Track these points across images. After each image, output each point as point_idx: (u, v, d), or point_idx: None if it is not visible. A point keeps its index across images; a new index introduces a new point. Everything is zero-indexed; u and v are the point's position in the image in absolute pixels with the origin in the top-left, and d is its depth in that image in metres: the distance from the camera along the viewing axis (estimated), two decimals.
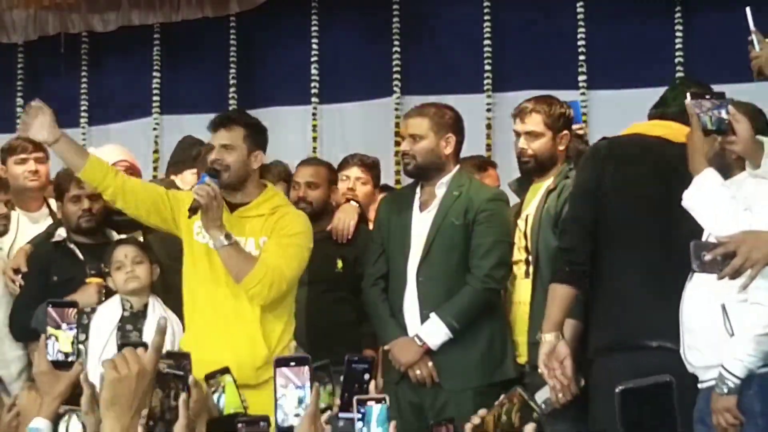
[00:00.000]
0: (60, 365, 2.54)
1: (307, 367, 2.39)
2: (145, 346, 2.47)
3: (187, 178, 4.83)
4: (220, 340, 3.89)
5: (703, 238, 3.36)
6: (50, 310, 2.58)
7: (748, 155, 3.27)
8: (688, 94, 3.31)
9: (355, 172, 4.99)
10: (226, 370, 2.84)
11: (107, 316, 4.12)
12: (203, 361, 3.80)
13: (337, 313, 4.56)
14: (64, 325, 2.57)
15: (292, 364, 2.41)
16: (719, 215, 3.20)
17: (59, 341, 2.56)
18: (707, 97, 3.25)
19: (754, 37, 3.71)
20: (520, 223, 4.13)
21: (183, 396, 2.36)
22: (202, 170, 4.22)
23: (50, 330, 2.56)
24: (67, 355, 2.56)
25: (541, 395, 3.89)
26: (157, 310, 4.15)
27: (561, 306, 3.70)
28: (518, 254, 4.12)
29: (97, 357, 3.98)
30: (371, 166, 5.06)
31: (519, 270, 4.11)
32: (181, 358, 2.81)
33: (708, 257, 3.07)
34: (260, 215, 3.99)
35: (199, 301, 4.02)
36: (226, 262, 3.87)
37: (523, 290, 4.08)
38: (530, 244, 4.06)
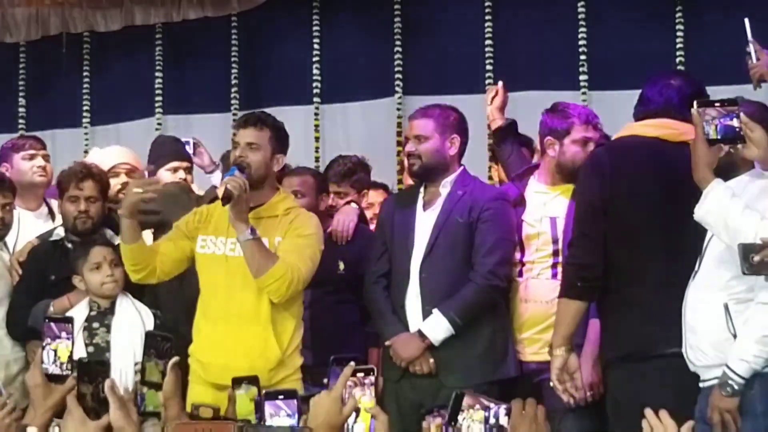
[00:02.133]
0: (55, 378, 2.54)
1: (295, 401, 2.52)
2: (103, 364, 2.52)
3: (163, 176, 4.85)
4: (233, 345, 3.91)
5: (706, 241, 3.39)
6: (49, 324, 2.59)
7: (765, 161, 3.26)
8: (695, 102, 3.30)
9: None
10: (254, 380, 2.90)
11: (74, 318, 4.09)
12: (217, 365, 3.86)
13: (340, 314, 4.57)
14: (63, 335, 2.58)
15: (281, 397, 2.53)
16: (735, 228, 3.20)
17: (57, 354, 2.57)
18: (716, 104, 3.22)
19: (751, 47, 3.71)
20: (543, 225, 4.15)
21: (107, 382, 2.40)
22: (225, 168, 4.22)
23: (48, 342, 2.56)
24: (63, 368, 2.56)
25: None
26: (125, 305, 4.15)
27: (573, 321, 3.72)
28: (542, 254, 4.13)
29: None
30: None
31: (544, 270, 4.12)
32: (164, 341, 2.84)
33: (757, 258, 3.07)
34: (275, 216, 4.01)
35: (210, 309, 4.03)
36: (248, 257, 3.87)
37: (545, 290, 4.08)
38: (562, 247, 4.06)
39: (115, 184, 4.78)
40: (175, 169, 4.87)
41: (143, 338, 3.94)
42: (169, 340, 2.88)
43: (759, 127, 3.21)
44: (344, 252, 4.58)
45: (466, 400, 2.32)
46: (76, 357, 3.78)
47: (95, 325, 4.07)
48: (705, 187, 3.27)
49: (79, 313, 4.12)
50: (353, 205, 4.78)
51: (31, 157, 4.84)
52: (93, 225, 4.40)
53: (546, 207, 4.18)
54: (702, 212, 3.28)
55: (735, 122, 3.19)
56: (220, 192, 3.97)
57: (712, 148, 3.26)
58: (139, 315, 4.14)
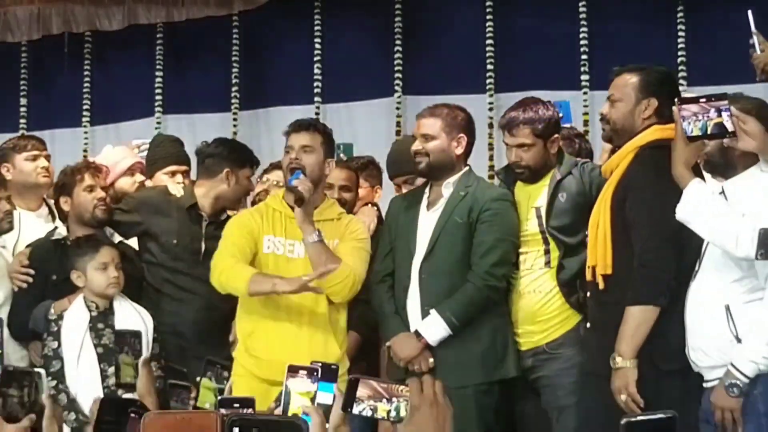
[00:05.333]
0: None
1: (251, 410, 2.48)
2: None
3: (159, 178, 4.83)
4: (296, 343, 3.96)
5: (705, 243, 3.38)
6: None
7: (762, 151, 3.25)
8: (676, 99, 3.29)
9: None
10: (228, 367, 2.88)
11: (76, 320, 4.09)
12: (279, 362, 3.85)
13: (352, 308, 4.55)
14: None
15: (236, 405, 2.49)
16: (716, 225, 3.21)
17: None
18: (701, 100, 3.21)
19: (755, 39, 3.70)
20: (531, 216, 4.15)
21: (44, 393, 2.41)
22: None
23: None
24: None
25: None
26: (123, 305, 4.14)
27: (648, 331, 3.51)
28: (532, 246, 4.14)
29: (74, 361, 3.99)
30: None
31: (536, 261, 4.12)
32: (133, 338, 2.94)
33: None
34: (329, 219, 4.11)
35: (270, 309, 4.04)
36: (314, 259, 3.95)
37: (541, 280, 4.08)
38: (550, 235, 4.07)
39: (132, 182, 4.83)
40: (173, 173, 4.82)
41: (148, 338, 4.00)
42: (138, 336, 2.90)
43: (751, 119, 3.20)
44: None
45: (363, 389, 2.27)
46: (82, 360, 3.82)
47: (100, 325, 4.07)
48: (684, 185, 3.27)
49: (79, 315, 4.11)
50: (372, 206, 4.81)
51: (35, 158, 4.80)
52: (110, 215, 4.39)
53: (531, 198, 4.18)
54: (684, 212, 3.27)
55: (724, 117, 3.16)
56: (288, 197, 4.06)
57: (691, 146, 3.25)
58: (140, 315, 4.14)
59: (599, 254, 3.67)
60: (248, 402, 2.53)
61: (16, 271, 4.38)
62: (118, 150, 5.14)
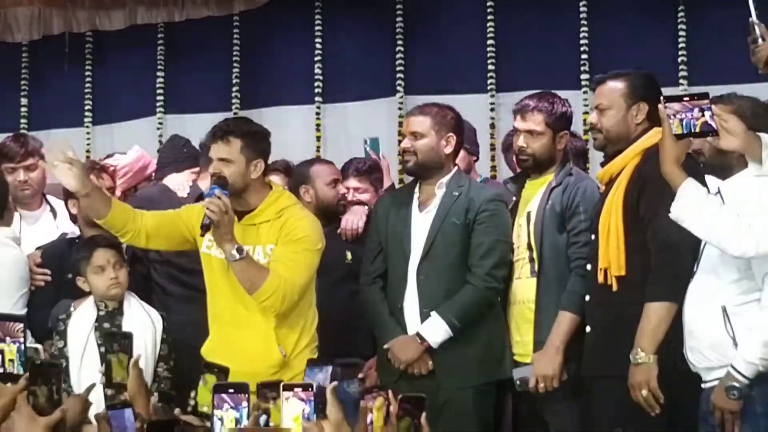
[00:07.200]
0: (5, 378, 2.55)
1: (245, 394, 2.53)
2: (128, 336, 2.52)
3: (178, 179, 4.83)
4: (235, 348, 3.90)
5: (702, 245, 3.38)
6: None
7: (745, 150, 3.25)
8: (661, 98, 3.29)
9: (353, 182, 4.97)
10: (225, 370, 2.90)
11: (83, 318, 4.11)
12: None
13: (348, 306, 4.54)
14: (7, 339, 2.59)
15: (231, 391, 2.54)
16: (711, 225, 3.20)
17: (3, 354, 2.59)
18: (684, 99, 3.21)
19: (756, 29, 3.67)
20: (522, 220, 4.14)
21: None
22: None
23: None
24: (7, 367, 2.58)
25: (518, 373, 3.89)
26: (133, 305, 4.15)
27: (668, 327, 3.51)
28: (521, 253, 4.12)
29: (77, 360, 4.00)
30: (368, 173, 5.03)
31: (523, 269, 4.11)
32: (124, 339, 2.95)
33: None
34: (267, 221, 3.97)
35: (219, 312, 4.03)
36: (239, 276, 3.86)
37: (528, 289, 4.08)
38: (534, 241, 4.06)
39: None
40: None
41: (156, 339, 4.01)
42: (129, 338, 2.91)
43: (732, 117, 3.20)
44: (353, 247, 4.61)
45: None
46: (86, 358, 3.83)
47: (106, 325, 4.07)
48: (675, 183, 3.27)
49: (87, 313, 4.12)
50: (362, 205, 4.81)
51: (12, 170, 4.75)
52: None
53: (528, 202, 4.19)
54: (678, 211, 3.27)
55: (707, 116, 3.17)
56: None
57: (678, 143, 3.25)
58: (149, 316, 4.14)
59: (612, 256, 3.66)
60: (242, 387, 2.53)
61: (31, 271, 4.39)
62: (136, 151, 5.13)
